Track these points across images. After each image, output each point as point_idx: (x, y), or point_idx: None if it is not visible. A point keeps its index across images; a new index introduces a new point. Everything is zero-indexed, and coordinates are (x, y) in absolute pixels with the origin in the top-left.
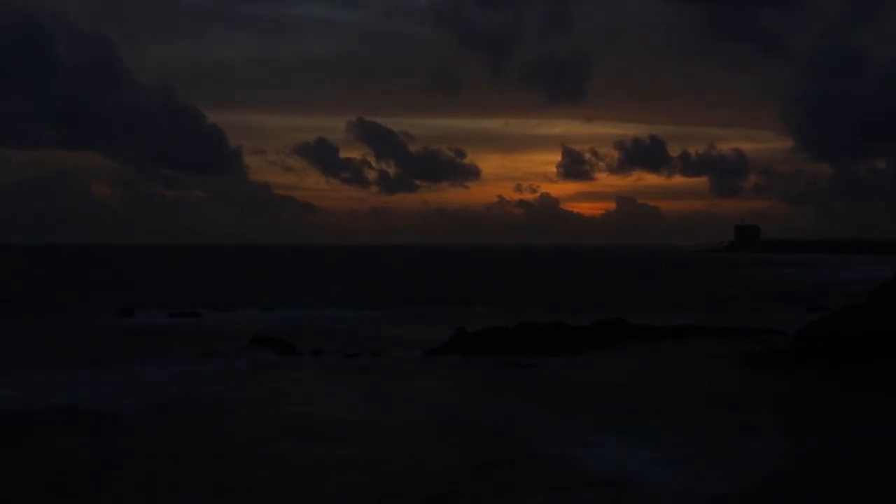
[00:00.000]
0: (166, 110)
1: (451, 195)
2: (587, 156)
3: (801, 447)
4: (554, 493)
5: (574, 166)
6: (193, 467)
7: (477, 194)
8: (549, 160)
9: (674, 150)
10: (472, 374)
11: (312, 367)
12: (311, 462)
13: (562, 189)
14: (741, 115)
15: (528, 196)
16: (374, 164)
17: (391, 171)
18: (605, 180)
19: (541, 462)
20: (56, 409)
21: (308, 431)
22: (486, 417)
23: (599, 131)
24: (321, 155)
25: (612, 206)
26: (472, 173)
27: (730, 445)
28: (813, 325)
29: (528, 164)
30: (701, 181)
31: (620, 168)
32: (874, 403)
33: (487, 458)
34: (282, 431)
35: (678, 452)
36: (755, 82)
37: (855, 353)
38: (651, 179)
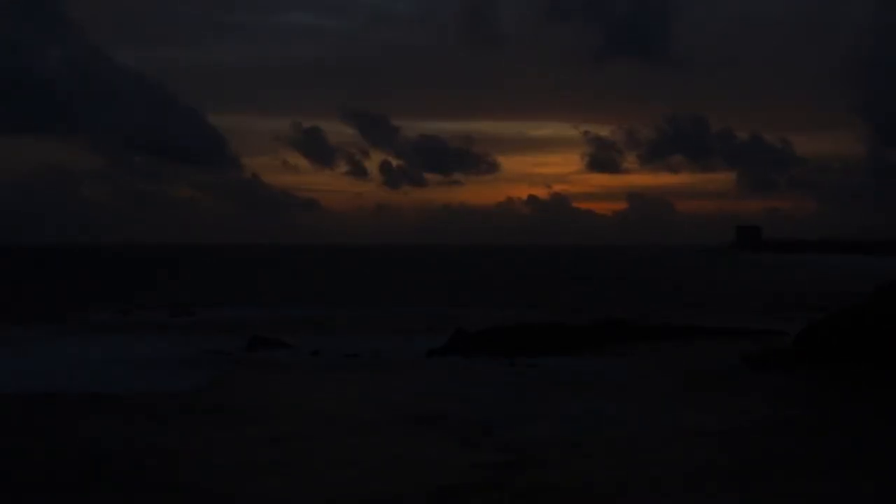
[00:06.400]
0: (161, 109)
1: (450, 193)
2: (596, 152)
3: (793, 446)
4: (546, 494)
5: (582, 162)
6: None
7: (473, 193)
8: (547, 160)
9: (708, 140)
10: (471, 374)
11: (311, 366)
12: (309, 461)
13: (567, 187)
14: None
15: (540, 193)
16: (373, 160)
17: (391, 168)
18: (615, 178)
19: (535, 460)
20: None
21: (305, 431)
22: (485, 417)
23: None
24: (317, 152)
25: (623, 205)
26: (480, 170)
27: (720, 444)
28: (813, 326)
29: (524, 164)
30: (728, 177)
31: (632, 164)
32: (874, 404)
33: (484, 457)
34: (279, 432)
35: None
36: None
37: (855, 354)
38: (671, 176)
